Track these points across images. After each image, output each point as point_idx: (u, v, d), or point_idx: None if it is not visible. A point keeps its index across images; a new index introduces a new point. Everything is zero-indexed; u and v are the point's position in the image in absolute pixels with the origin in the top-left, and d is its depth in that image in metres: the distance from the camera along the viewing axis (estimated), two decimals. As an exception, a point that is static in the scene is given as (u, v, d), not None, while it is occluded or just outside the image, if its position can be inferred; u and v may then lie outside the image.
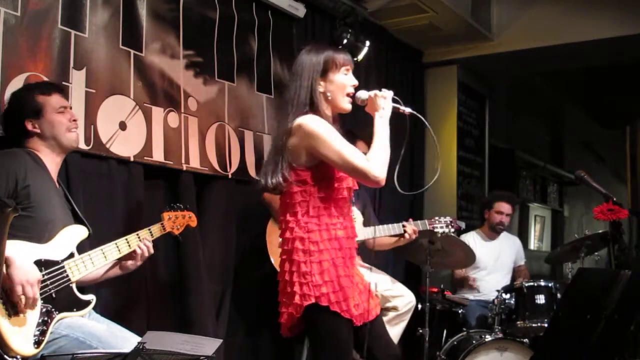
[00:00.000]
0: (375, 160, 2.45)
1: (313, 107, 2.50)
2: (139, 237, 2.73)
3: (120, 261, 2.74)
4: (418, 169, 5.85)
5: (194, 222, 3.10)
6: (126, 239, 2.69)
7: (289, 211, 2.51)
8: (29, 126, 2.59)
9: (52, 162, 2.63)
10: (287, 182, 2.48)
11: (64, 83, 3.05)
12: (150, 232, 2.81)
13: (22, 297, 2.23)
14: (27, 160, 2.53)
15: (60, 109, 2.64)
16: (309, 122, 2.44)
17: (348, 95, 2.56)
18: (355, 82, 2.58)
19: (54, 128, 2.61)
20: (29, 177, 2.47)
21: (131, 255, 2.71)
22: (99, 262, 2.58)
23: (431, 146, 5.93)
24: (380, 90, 2.59)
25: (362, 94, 2.59)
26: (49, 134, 2.60)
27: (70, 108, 2.73)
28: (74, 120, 2.69)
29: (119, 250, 2.66)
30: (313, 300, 2.41)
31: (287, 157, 2.47)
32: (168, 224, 2.93)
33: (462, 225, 4.28)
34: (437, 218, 4.05)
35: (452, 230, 4.08)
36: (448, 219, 4.08)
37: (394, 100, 2.59)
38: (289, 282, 2.49)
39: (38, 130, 2.59)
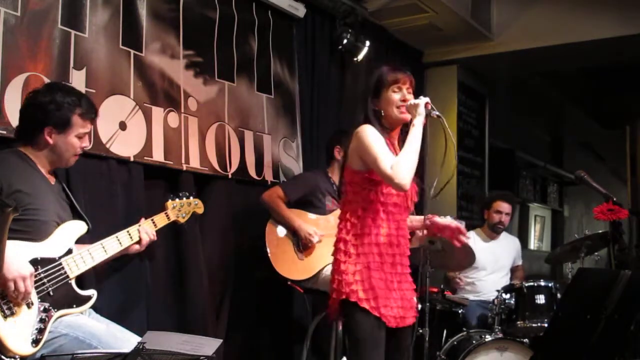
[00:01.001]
0: (400, 166, 2.58)
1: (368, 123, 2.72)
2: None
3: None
4: (418, 169, 5.85)
5: (200, 209, 3.05)
6: (127, 231, 2.68)
7: (343, 210, 2.76)
8: (46, 134, 2.50)
9: (43, 166, 2.58)
10: (345, 185, 2.75)
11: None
12: (153, 223, 2.77)
13: (15, 292, 2.22)
14: (14, 163, 2.47)
15: (82, 134, 2.58)
16: (362, 129, 2.68)
17: (399, 108, 2.72)
18: (405, 97, 2.73)
19: (65, 149, 2.55)
20: (17, 181, 2.41)
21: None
22: (99, 257, 2.56)
23: (431, 146, 5.94)
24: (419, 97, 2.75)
25: (407, 103, 2.74)
26: (57, 151, 2.54)
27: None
28: (83, 147, 2.63)
29: (120, 243, 2.65)
30: (344, 296, 2.62)
31: (347, 160, 2.74)
32: (172, 213, 2.88)
33: (462, 224, 4.26)
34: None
35: None
36: (449, 218, 4.06)
37: (427, 106, 2.70)
38: (331, 277, 2.74)
39: (51, 142, 2.52)
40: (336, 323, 3.69)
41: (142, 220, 2.77)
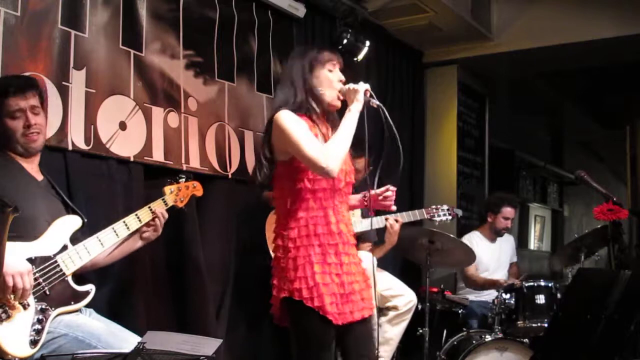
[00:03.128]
0: (328, 150, 2.44)
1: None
2: (138, 218, 2.64)
3: (139, 233, 2.68)
4: (418, 170, 5.86)
5: (199, 192, 2.97)
6: (124, 222, 2.60)
7: (275, 205, 2.63)
8: None
9: (28, 163, 2.52)
10: (273, 179, 2.60)
11: (64, 83, 3.05)
12: (151, 210, 2.70)
13: (15, 290, 2.18)
14: None
15: (15, 113, 2.42)
16: (278, 117, 2.52)
17: (334, 89, 2.60)
18: (342, 78, 2.61)
19: (4, 136, 2.43)
20: None
21: (149, 223, 2.67)
22: (95, 250, 2.49)
23: (431, 146, 5.96)
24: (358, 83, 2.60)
25: (344, 87, 2.60)
26: (6, 141, 2.44)
27: (36, 107, 2.48)
28: (31, 125, 2.44)
29: (117, 234, 2.56)
30: (287, 294, 2.49)
31: (266, 152, 2.58)
32: (170, 198, 2.80)
33: (459, 212, 4.29)
34: (434, 207, 4.06)
35: (450, 218, 4.09)
36: (445, 207, 4.09)
37: (366, 93, 2.56)
38: (272, 275, 2.61)
39: None
40: None
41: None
